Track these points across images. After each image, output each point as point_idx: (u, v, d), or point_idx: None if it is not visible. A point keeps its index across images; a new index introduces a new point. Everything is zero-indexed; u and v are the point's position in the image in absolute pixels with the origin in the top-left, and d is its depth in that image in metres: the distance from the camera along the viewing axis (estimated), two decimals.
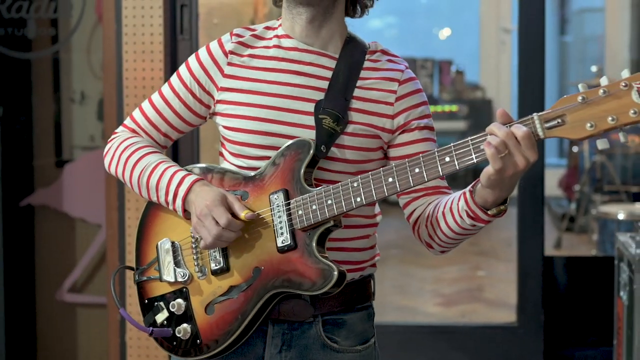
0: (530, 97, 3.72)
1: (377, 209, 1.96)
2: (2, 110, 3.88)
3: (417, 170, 1.70)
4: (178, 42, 3.32)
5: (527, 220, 3.78)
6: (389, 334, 3.97)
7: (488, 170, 1.63)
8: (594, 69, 5.80)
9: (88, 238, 3.96)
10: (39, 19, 3.77)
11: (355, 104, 1.86)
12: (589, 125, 1.58)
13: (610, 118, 1.56)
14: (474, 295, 5.23)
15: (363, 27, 2.01)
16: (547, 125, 1.60)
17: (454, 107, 7.84)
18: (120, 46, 3.26)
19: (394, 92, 1.87)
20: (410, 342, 3.93)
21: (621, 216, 5.05)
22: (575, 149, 6.39)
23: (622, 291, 3.23)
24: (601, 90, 1.57)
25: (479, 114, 7.82)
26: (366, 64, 1.90)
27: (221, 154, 1.96)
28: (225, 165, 1.92)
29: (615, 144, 6.13)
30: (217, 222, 1.77)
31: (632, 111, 1.55)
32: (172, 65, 3.27)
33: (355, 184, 1.74)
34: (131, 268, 1.98)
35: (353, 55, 1.90)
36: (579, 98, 1.58)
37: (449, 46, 8.71)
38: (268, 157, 1.84)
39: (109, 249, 3.44)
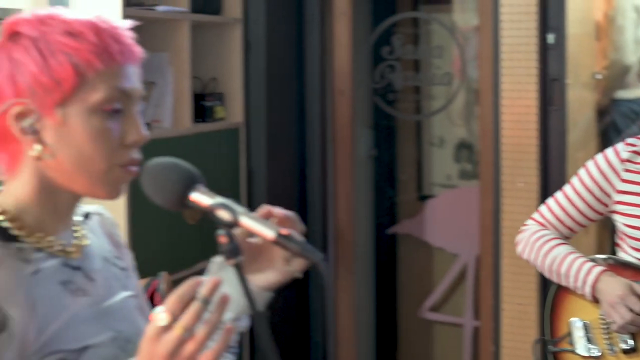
0: None
1: None
2: (377, 151, 4.36)
3: None
4: (549, 112, 3.57)
5: None
6: None
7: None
8: None
9: (445, 265, 4.30)
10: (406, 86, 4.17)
11: None
12: None
13: None
14: None
15: None
16: None
17: None
18: (497, 116, 3.58)
19: None
20: None
21: None
22: None
23: None
24: None
25: None
26: None
27: (618, 245, 2.18)
28: (624, 256, 2.14)
29: None
30: (630, 310, 2.00)
31: None
32: (543, 133, 3.53)
33: None
34: (545, 340, 2.25)
35: None
36: None
37: None
38: None
39: (483, 288, 3.81)
